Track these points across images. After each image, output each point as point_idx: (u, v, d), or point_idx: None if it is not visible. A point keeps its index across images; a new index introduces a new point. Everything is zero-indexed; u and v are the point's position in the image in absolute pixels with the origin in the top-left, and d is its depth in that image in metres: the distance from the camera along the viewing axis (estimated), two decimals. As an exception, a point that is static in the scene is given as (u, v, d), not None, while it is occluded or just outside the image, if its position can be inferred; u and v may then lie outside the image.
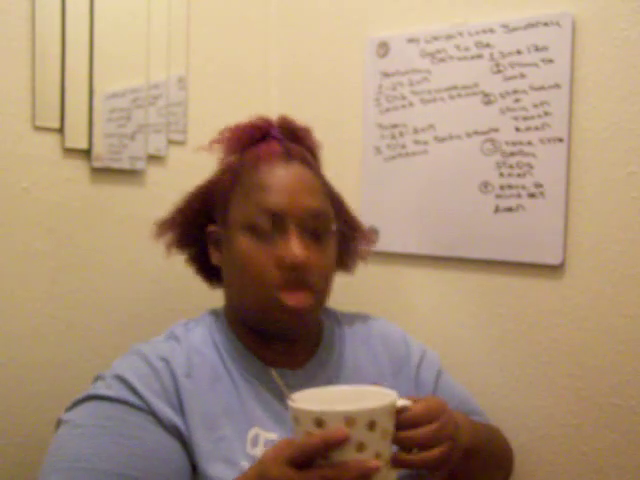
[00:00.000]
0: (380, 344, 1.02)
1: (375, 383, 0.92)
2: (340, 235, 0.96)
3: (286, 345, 0.93)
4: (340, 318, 1.04)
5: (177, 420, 0.81)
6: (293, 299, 0.86)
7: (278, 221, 0.87)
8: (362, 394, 0.74)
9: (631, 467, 1.06)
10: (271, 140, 0.94)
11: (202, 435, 0.81)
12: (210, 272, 1.00)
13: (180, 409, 0.82)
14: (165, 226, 0.98)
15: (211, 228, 0.95)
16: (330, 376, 0.95)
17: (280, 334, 0.92)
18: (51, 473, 0.75)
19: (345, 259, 1.03)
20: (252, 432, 0.85)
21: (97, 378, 0.86)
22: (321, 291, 0.91)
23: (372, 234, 1.06)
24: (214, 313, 0.97)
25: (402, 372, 1.01)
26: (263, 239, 0.87)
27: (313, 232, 0.89)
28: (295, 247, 0.85)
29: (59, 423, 0.81)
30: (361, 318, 1.06)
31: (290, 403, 0.69)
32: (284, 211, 0.87)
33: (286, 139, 0.95)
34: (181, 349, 0.88)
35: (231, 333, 0.93)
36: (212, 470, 0.80)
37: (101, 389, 0.82)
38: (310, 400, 0.70)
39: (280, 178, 0.89)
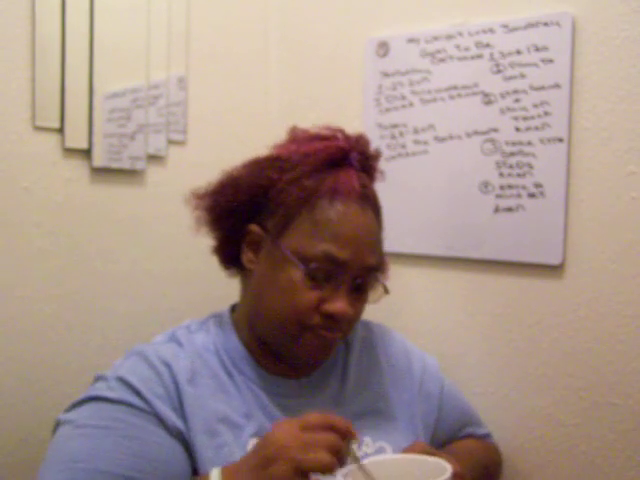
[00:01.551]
0: (381, 352, 1.02)
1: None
2: None
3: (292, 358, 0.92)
4: None
5: (179, 424, 0.80)
6: (328, 334, 0.87)
7: (335, 270, 0.86)
8: (409, 464, 0.79)
9: (630, 466, 1.06)
10: (350, 170, 0.90)
11: (203, 441, 0.81)
12: (231, 259, 0.96)
13: (182, 414, 0.81)
14: (203, 203, 0.93)
15: (254, 228, 0.90)
16: (334, 386, 0.95)
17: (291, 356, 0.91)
18: (51, 472, 0.75)
19: None
20: (253, 440, 0.84)
21: (98, 378, 0.85)
22: (347, 333, 0.93)
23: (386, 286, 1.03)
24: (217, 317, 0.96)
25: (403, 383, 1.01)
26: (314, 279, 0.85)
27: (360, 284, 0.89)
28: (343, 303, 0.86)
29: (58, 423, 0.81)
30: (363, 325, 1.05)
31: None
32: (346, 264, 0.86)
33: (360, 166, 0.92)
34: (184, 354, 0.87)
35: (236, 339, 0.92)
36: None
37: (103, 390, 0.81)
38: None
39: (352, 226, 0.87)
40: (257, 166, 0.91)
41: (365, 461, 0.76)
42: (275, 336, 0.89)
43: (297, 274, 0.85)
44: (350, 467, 0.73)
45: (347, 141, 0.92)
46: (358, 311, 0.91)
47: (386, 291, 0.93)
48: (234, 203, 0.90)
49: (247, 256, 0.91)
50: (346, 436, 0.71)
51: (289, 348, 0.89)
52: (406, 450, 0.88)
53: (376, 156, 0.96)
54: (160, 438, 0.79)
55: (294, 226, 0.87)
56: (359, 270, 0.87)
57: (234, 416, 0.85)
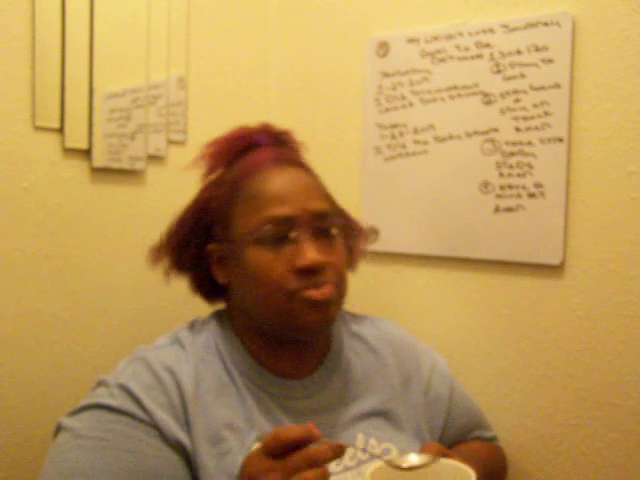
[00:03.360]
0: (388, 351, 1.01)
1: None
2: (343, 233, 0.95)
3: (295, 354, 0.92)
4: (348, 321, 1.03)
5: (181, 435, 0.79)
6: (317, 293, 0.85)
7: (286, 228, 0.86)
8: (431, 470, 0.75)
9: (630, 467, 1.06)
10: (258, 148, 0.93)
11: (207, 450, 0.80)
12: (211, 290, 0.97)
13: (186, 423, 0.80)
14: (160, 251, 0.95)
15: (212, 247, 0.92)
16: (337, 386, 0.94)
17: (297, 341, 0.90)
18: None
19: (348, 257, 1.00)
20: (257, 445, 0.82)
21: (100, 383, 0.84)
22: (338, 285, 0.90)
23: (367, 231, 1.05)
24: (219, 317, 0.95)
25: (411, 382, 1.00)
26: (274, 248, 0.85)
27: (322, 232, 0.88)
28: (308, 252, 0.85)
29: (59, 428, 0.80)
30: (369, 321, 1.05)
31: None
32: (291, 217, 0.86)
33: (273, 142, 0.94)
34: (187, 357, 0.86)
35: (236, 340, 0.91)
36: None
37: (105, 397, 0.80)
38: None
39: (279, 184, 0.88)
40: (192, 199, 0.96)
41: (392, 458, 0.75)
42: (271, 320, 0.87)
43: (258, 252, 0.86)
44: (377, 464, 0.72)
45: (249, 129, 0.95)
46: (337, 257, 0.89)
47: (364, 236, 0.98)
48: (186, 235, 0.93)
49: (220, 274, 0.93)
50: (311, 442, 0.67)
51: (288, 325, 0.87)
52: (421, 450, 0.87)
53: (286, 131, 0.97)
54: (159, 451, 0.77)
55: (235, 217, 0.89)
56: (309, 218, 0.87)
57: (237, 420, 0.84)
